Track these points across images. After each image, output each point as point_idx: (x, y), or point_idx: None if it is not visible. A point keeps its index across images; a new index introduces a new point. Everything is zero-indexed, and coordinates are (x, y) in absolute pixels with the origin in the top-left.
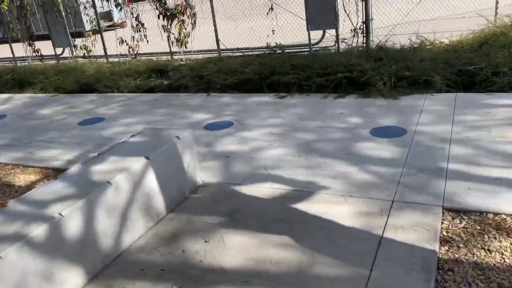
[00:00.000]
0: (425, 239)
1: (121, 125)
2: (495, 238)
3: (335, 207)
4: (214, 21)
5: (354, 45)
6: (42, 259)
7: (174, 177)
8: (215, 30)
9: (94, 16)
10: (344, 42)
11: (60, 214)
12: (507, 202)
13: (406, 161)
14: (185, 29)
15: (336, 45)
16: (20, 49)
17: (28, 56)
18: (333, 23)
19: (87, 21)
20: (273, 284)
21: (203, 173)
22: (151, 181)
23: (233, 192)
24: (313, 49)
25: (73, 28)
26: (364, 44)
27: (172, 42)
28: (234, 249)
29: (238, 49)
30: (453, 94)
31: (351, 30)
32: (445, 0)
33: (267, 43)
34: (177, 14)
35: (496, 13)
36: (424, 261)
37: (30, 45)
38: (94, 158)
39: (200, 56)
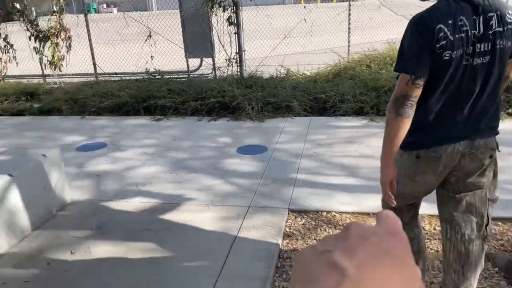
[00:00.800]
0: (271, 235)
1: None
2: (325, 230)
3: (198, 215)
4: (90, 44)
5: (229, 73)
6: None
7: (41, 195)
8: (92, 54)
9: None
10: (219, 70)
11: None
12: (338, 202)
13: (263, 173)
14: (59, 52)
15: (213, 72)
16: None
17: None
18: (209, 52)
19: None
20: (134, 278)
21: (73, 192)
22: (15, 199)
23: (102, 208)
24: (191, 75)
25: None
26: (238, 73)
27: (45, 65)
28: (100, 257)
29: (116, 73)
30: (308, 118)
31: (226, 59)
32: (309, 38)
33: (146, 69)
34: (50, 37)
35: (348, 50)
36: (268, 252)
37: None
38: None
39: (76, 80)
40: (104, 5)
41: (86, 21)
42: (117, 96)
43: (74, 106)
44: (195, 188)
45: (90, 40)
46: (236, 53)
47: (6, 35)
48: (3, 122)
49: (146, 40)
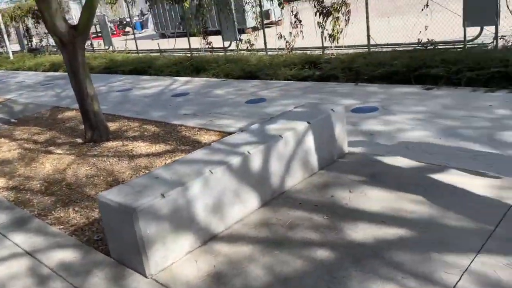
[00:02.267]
0: None
1: (280, 105)
2: None
3: (469, 180)
4: (367, 17)
5: None
6: (235, 181)
7: (327, 142)
8: (367, 27)
9: (255, 15)
10: (503, 39)
11: (248, 152)
12: None
13: None
14: (339, 25)
15: (495, 42)
16: (196, 42)
17: (202, 48)
18: (493, 19)
19: (251, 19)
20: (406, 226)
21: (350, 145)
22: (310, 142)
23: (375, 160)
24: (468, 46)
25: (237, 25)
26: None
27: (325, 38)
28: (374, 199)
29: (388, 44)
30: None
31: None
32: None
33: (419, 39)
34: (333, 12)
35: None
36: None
37: (204, 38)
38: (268, 120)
39: (350, 51)
40: None
41: None
42: (389, 65)
43: (349, 74)
44: (466, 156)
45: (367, 13)
46: None
47: (297, 12)
48: (292, 85)
49: (422, 10)
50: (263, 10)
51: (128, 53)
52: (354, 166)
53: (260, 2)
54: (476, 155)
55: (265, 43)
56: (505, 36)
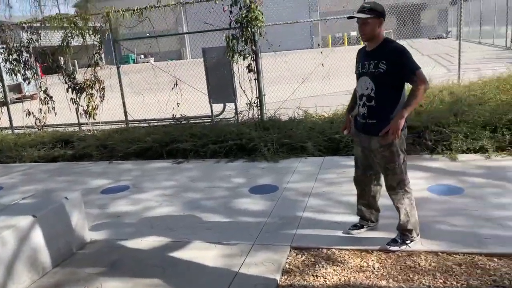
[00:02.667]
0: (270, 271)
1: (19, 193)
2: (323, 267)
3: (204, 253)
4: (122, 94)
5: (250, 116)
6: None
7: (62, 235)
8: (123, 103)
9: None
10: (241, 114)
11: None
12: (339, 239)
13: (271, 212)
14: (94, 102)
15: (236, 116)
16: None
17: None
18: (232, 97)
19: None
20: None
21: (93, 232)
22: (38, 238)
23: (118, 246)
24: (215, 119)
25: None
26: (259, 116)
27: (80, 114)
28: None
29: (145, 120)
30: (322, 158)
31: (247, 104)
32: (327, 81)
33: (173, 115)
34: (86, 88)
35: None
36: (266, 287)
37: None
38: None
39: (108, 127)
40: (142, 56)
41: (118, 73)
42: (143, 141)
43: (103, 151)
44: (204, 227)
45: (121, 90)
46: (256, 97)
47: (46, 88)
48: (39, 168)
49: (172, 88)
50: (15, 83)
51: None
52: (94, 257)
53: (0, 75)
54: (213, 225)
55: (10, 120)
56: (241, 111)
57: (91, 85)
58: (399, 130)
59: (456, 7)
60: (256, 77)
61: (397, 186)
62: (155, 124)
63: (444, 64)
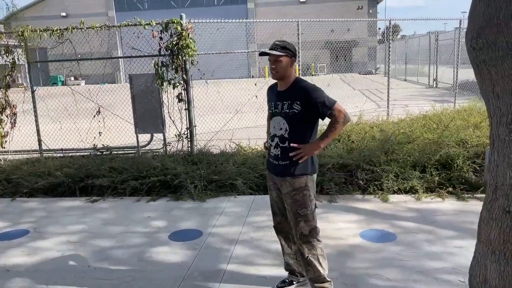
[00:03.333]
0: None
1: None
2: None
3: None
4: (36, 120)
5: (179, 148)
6: None
7: None
8: (37, 130)
9: None
10: (169, 145)
11: None
12: None
13: (192, 264)
14: (3, 128)
15: (164, 148)
16: None
17: None
18: (159, 128)
19: None
20: None
21: None
22: None
23: None
24: (141, 151)
25: None
26: (189, 148)
27: None
28: None
29: (62, 150)
30: (252, 197)
31: (176, 135)
32: (261, 113)
33: (94, 145)
34: None
35: None
36: None
37: None
38: None
39: (19, 157)
40: (72, 78)
41: (33, 97)
42: (54, 176)
43: (7, 186)
44: (111, 285)
45: (36, 116)
46: (186, 128)
47: None
48: None
49: (94, 116)
50: None
51: None
52: None
53: None
54: (120, 283)
55: None
56: (169, 143)
57: (1, 110)
58: (309, 155)
59: (384, 46)
60: (186, 107)
61: (309, 235)
62: (74, 154)
63: (374, 99)
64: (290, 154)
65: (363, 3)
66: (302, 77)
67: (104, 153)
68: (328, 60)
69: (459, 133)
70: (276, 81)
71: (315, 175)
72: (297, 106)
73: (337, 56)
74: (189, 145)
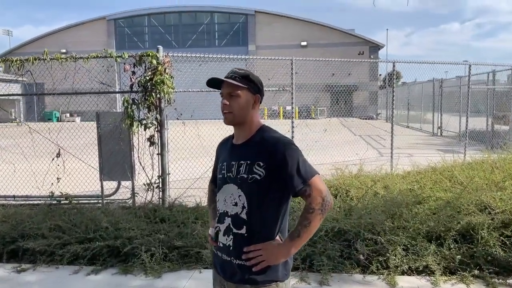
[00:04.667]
0: None
1: None
2: None
3: None
4: None
5: (149, 199)
6: None
7: None
8: None
9: None
10: (137, 195)
11: None
12: None
13: None
14: None
15: (132, 198)
16: None
17: None
18: (127, 175)
19: None
20: None
21: None
22: None
23: None
24: (106, 200)
25: None
26: (160, 199)
27: None
28: None
29: (14, 196)
30: None
31: (145, 184)
32: None
33: (51, 192)
34: None
35: None
36: None
37: None
38: None
39: None
40: (68, 114)
41: None
42: None
43: None
44: None
45: None
46: (158, 176)
47: None
48: None
49: (53, 159)
50: None
51: None
52: None
53: None
54: None
55: None
56: (137, 193)
57: None
58: (272, 263)
59: (385, 91)
60: (159, 152)
61: None
62: (26, 202)
63: (376, 146)
64: (243, 256)
65: (365, 48)
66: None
67: (62, 202)
68: (328, 103)
69: (480, 195)
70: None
71: (288, 280)
72: (260, 170)
73: (337, 100)
74: (160, 196)
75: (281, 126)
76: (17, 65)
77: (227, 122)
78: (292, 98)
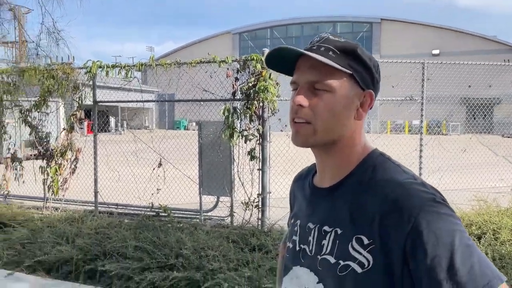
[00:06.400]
0: None
1: None
2: None
3: None
4: (95, 169)
5: (247, 219)
6: None
7: None
8: (95, 180)
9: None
10: (235, 214)
11: None
12: None
13: None
14: (61, 174)
15: (230, 217)
16: None
17: None
18: (225, 190)
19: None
20: None
21: None
22: None
23: None
24: (204, 216)
25: None
26: (259, 220)
27: (49, 187)
28: None
29: (117, 205)
30: None
31: (242, 202)
32: None
33: (151, 203)
34: (55, 156)
35: None
36: None
37: None
38: None
39: (72, 207)
40: (194, 123)
41: (95, 142)
42: (70, 246)
43: (21, 251)
44: None
45: (95, 164)
46: (258, 194)
47: (16, 150)
48: None
49: (154, 169)
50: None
51: None
52: None
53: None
54: None
55: None
56: (234, 212)
57: (62, 153)
58: None
59: None
60: (260, 167)
61: None
62: (127, 212)
63: None
64: None
65: (509, 56)
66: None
67: (161, 214)
68: (463, 117)
69: None
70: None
71: None
72: (363, 253)
73: (474, 114)
74: (259, 217)
75: (407, 142)
76: (126, 70)
77: (301, 140)
78: (422, 109)
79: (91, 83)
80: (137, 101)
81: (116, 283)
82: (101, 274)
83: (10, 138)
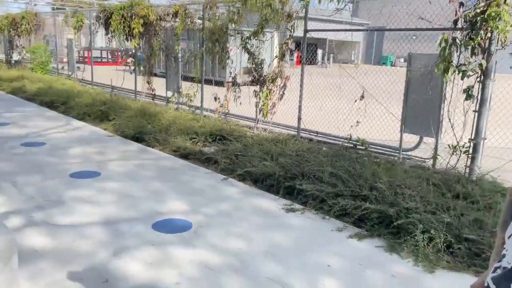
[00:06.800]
0: None
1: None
2: None
3: None
4: (300, 96)
5: (453, 165)
6: None
7: None
8: (299, 107)
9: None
10: (438, 157)
11: None
12: None
13: None
14: (270, 99)
15: (433, 160)
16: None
17: (143, 93)
18: (431, 130)
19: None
20: None
21: None
22: None
23: None
24: (403, 155)
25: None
26: (467, 168)
27: (259, 110)
28: None
29: (317, 132)
30: None
31: (450, 146)
32: None
33: (349, 135)
34: (267, 82)
35: None
36: None
37: (148, 83)
38: None
39: (277, 130)
40: (402, 59)
41: (302, 70)
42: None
43: (241, 160)
44: None
45: (301, 91)
46: (469, 139)
47: (235, 75)
48: (170, 162)
49: (355, 101)
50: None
51: (81, 83)
52: None
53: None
54: None
55: (201, 101)
56: (438, 155)
57: (273, 79)
58: None
59: None
60: (476, 108)
61: None
62: (326, 141)
63: None
64: None
65: None
66: None
67: (358, 146)
68: None
69: None
70: None
71: None
72: None
73: None
74: (467, 164)
75: None
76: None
77: None
78: None
79: (302, 15)
80: (346, 30)
81: (311, 203)
82: (298, 192)
83: (232, 63)
